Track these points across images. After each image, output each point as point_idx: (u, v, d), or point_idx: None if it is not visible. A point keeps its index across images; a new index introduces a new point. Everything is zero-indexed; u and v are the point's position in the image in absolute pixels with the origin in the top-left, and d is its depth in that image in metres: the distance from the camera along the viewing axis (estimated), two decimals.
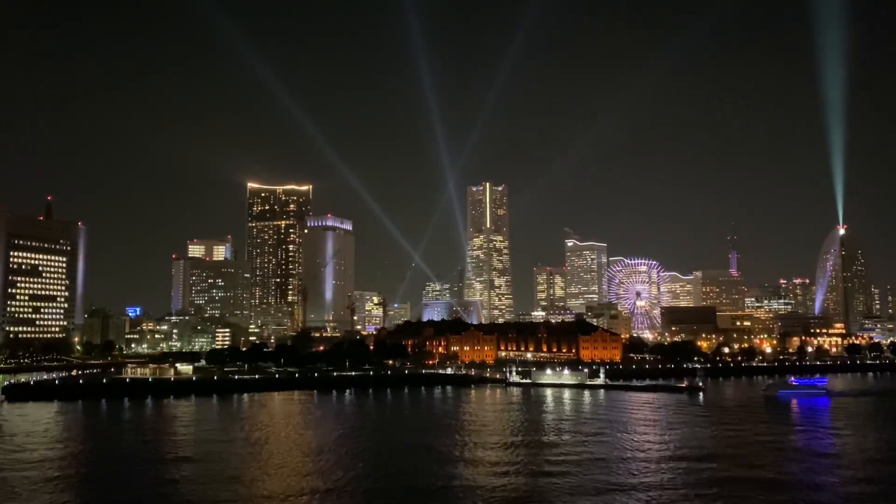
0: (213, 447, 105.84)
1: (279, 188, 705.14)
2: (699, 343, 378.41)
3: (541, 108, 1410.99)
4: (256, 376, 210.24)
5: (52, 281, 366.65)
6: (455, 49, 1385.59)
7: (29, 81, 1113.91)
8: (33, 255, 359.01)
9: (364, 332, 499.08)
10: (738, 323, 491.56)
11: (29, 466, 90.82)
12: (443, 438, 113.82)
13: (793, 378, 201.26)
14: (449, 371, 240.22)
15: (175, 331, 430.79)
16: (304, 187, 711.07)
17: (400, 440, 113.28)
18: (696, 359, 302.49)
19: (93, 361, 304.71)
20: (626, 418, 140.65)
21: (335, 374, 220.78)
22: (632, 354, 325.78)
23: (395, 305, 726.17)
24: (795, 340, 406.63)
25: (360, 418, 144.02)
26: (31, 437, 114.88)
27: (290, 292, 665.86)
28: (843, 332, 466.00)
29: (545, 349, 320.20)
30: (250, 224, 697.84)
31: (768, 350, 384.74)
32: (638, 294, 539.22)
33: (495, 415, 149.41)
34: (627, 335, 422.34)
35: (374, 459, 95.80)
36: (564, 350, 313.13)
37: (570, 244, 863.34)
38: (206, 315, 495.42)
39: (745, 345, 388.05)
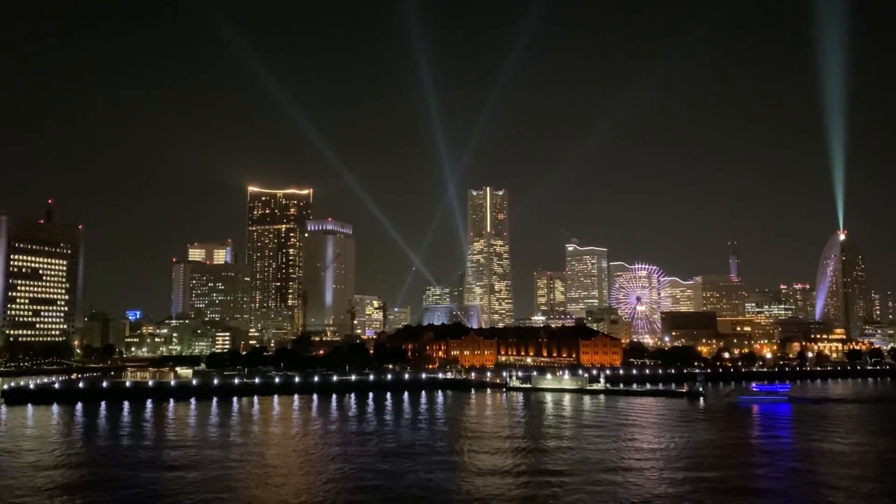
0: (212, 451, 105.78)
1: (280, 192, 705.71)
2: (699, 348, 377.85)
3: (541, 113, 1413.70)
4: (256, 380, 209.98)
5: (52, 284, 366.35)
6: (456, 54, 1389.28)
7: (30, 85, 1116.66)
8: (34, 259, 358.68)
9: (364, 337, 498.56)
10: (739, 328, 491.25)
11: (27, 470, 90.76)
12: (442, 444, 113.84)
13: (755, 384, 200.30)
14: (449, 375, 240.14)
15: (175, 334, 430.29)
16: (305, 191, 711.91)
17: (399, 445, 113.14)
18: (696, 364, 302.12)
19: (93, 365, 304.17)
20: (626, 424, 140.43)
21: (335, 378, 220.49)
22: (632, 359, 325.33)
23: (396, 310, 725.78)
24: (796, 346, 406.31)
25: (359, 423, 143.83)
26: (30, 441, 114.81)
27: (290, 296, 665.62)
28: (844, 337, 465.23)
29: (545, 354, 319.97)
30: (251, 228, 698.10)
31: (769, 355, 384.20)
32: (638, 299, 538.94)
33: (495, 420, 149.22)
34: (628, 340, 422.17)
35: (373, 464, 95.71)
36: (565, 355, 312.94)
37: (570, 249, 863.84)
38: (207, 319, 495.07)
39: (746, 350, 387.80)
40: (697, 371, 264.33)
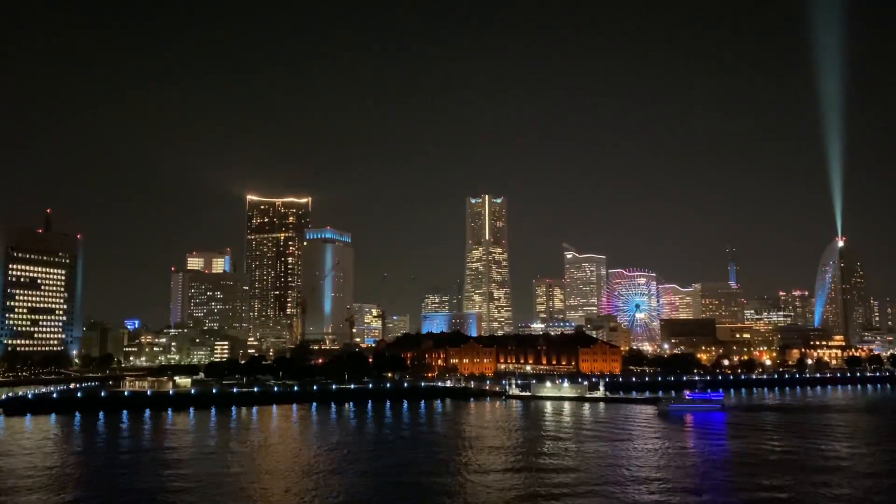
0: (210, 461, 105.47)
1: (278, 200, 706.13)
2: (698, 355, 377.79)
3: (540, 120, 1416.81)
4: (255, 389, 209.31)
5: (50, 294, 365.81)
6: (455, 61, 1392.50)
7: (28, 94, 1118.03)
8: (32, 268, 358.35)
9: (363, 345, 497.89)
10: (738, 335, 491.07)
11: (25, 481, 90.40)
12: (440, 453, 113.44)
13: (688, 393, 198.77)
14: (448, 384, 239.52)
15: (174, 343, 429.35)
16: (304, 200, 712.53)
17: (398, 454, 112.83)
18: (695, 371, 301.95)
19: (91, 374, 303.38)
20: (626, 432, 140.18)
21: (334, 387, 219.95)
22: (631, 367, 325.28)
23: (394, 318, 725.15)
24: (795, 353, 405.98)
25: (358, 432, 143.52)
26: (28, 451, 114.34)
27: (289, 305, 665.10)
28: (843, 344, 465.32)
29: (545, 361, 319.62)
30: (249, 236, 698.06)
31: (768, 362, 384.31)
32: (637, 306, 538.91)
33: (495, 428, 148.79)
34: (627, 347, 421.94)
35: (372, 473, 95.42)
36: (564, 362, 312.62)
37: (569, 256, 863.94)
38: (205, 328, 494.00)
39: (745, 357, 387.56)
40: (697, 378, 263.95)
